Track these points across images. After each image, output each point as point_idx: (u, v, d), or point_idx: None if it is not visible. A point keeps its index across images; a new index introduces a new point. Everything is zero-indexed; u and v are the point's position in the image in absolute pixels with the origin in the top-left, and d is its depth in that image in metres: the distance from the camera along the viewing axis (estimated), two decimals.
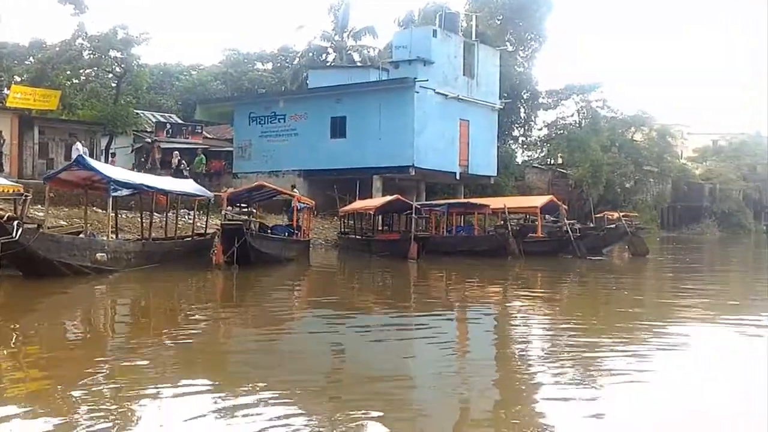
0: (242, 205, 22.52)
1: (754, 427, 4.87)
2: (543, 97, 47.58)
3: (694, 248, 36.61)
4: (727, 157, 69.09)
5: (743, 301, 13.49)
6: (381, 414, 5.18)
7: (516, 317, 11.16)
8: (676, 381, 6.35)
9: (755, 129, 78.06)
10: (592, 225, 29.34)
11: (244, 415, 5.15)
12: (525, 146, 49.06)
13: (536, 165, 49.44)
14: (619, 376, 6.40)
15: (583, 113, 50.73)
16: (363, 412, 5.20)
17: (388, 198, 25.15)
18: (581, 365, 6.85)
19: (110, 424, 4.90)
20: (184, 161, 30.98)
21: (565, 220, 25.23)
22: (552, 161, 51.50)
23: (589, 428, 4.82)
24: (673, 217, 60.72)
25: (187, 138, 35.12)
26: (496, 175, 35.96)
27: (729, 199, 65.55)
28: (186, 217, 23.48)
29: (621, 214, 34.53)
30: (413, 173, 30.72)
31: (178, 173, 28.12)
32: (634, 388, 5.94)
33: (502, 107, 35.97)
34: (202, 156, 32.31)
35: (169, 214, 20.33)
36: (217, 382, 6.34)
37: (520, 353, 7.96)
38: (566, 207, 28.10)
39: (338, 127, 31.96)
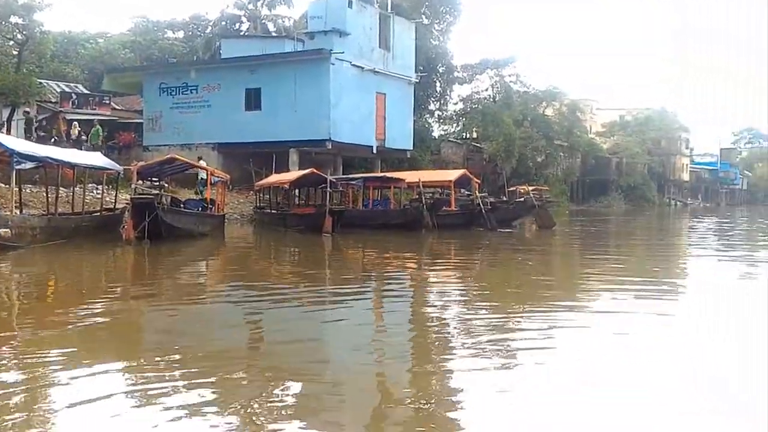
0: (153, 179, 21.94)
1: (650, 398, 5.15)
2: (458, 72, 48.11)
3: (600, 221, 38.07)
4: (633, 131, 71.87)
5: (639, 271, 14.15)
6: (299, 389, 5.20)
7: (429, 288, 11.38)
8: (581, 352, 6.58)
9: (660, 105, 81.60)
10: (505, 198, 30.10)
11: (157, 393, 5.09)
12: (441, 120, 49.61)
13: (452, 139, 50.08)
14: (529, 348, 6.56)
15: (497, 88, 51.67)
16: (281, 388, 5.21)
17: (303, 172, 25.05)
18: (493, 336, 7.04)
19: (11, 405, 4.76)
20: (84, 134, 29.75)
21: (477, 194, 25.81)
22: (467, 135, 52.27)
23: (498, 399, 4.93)
24: (582, 190, 62.89)
25: (95, 109, 33.79)
26: (412, 149, 36.27)
27: (635, 173, 68.41)
28: (94, 191, 22.73)
29: (532, 187, 35.66)
30: (330, 147, 30.62)
31: (76, 145, 27.03)
32: (543, 358, 6.12)
33: (418, 81, 36.19)
34: (98, 127, 30.58)
35: (76, 189, 19.60)
36: (128, 362, 6.22)
37: (434, 324, 8.12)
38: (479, 181, 28.69)
39: (253, 99, 31.46)
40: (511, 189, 31.94)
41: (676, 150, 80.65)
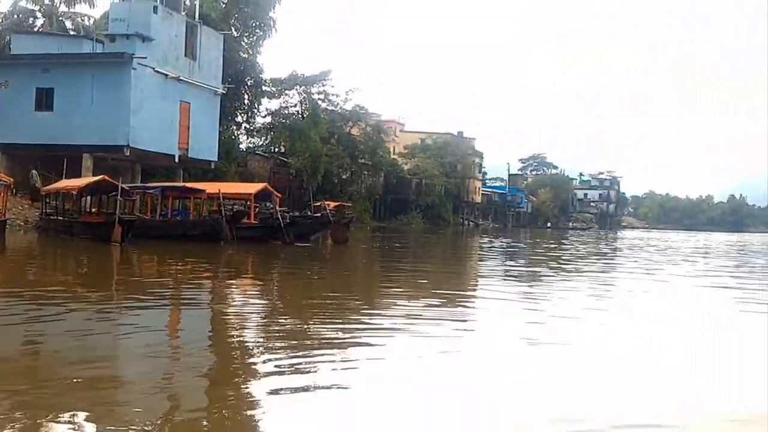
0: None
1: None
2: (267, 85, 48.35)
3: (397, 237, 39.97)
4: (432, 154, 76.10)
5: (426, 285, 15.19)
6: (88, 413, 4.66)
7: (220, 300, 11.43)
8: (384, 359, 6.70)
9: (457, 130, 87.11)
10: (310, 213, 30.79)
11: None
12: (249, 133, 49.48)
13: (259, 152, 50.17)
14: (329, 356, 6.67)
15: (305, 104, 52.62)
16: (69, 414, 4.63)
17: (94, 178, 24.05)
18: (291, 346, 7.12)
19: None
20: None
21: (277, 208, 26.26)
22: (275, 149, 52.64)
23: (298, 411, 4.91)
24: (384, 208, 65.57)
25: None
26: (217, 160, 35.91)
27: (433, 194, 72.53)
28: None
29: (336, 203, 36.76)
30: (128, 153, 29.60)
31: None
32: (344, 367, 6.20)
33: (224, 92, 35.96)
34: None
35: None
36: None
37: (231, 337, 7.98)
38: (280, 195, 29.10)
39: (45, 99, 29.65)
40: (317, 204, 32.70)
41: (471, 174, 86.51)
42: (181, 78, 31.90)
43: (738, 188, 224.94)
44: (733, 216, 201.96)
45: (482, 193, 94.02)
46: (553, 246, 36.19)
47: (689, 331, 9.45)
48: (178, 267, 16.45)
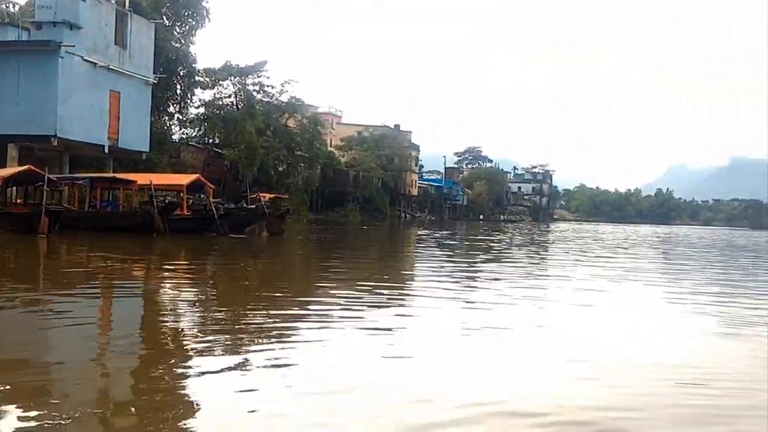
0: None
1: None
2: (201, 75, 47.63)
3: (334, 229, 40.12)
4: (369, 147, 76.35)
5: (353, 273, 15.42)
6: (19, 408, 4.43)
7: (152, 291, 11.36)
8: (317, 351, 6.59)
9: (393, 123, 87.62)
10: (245, 205, 30.64)
11: None
12: (181, 123, 48.65)
13: (193, 143, 49.43)
14: (260, 341, 6.77)
15: (240, 95, 52.12)
16: None
17: (20, 168, 23.43)
18: (228, 339, 6.96)
19: None
20: None
21: (211, 199, 26.09)
22: (209, 141, 51.96)
23: (238, 403, 4.76)
24: (322, 200, 65.46)
25: None
26: (149, 150, 35.30)
27: (370, 186, 72.76)
28: None
29: (272, 196, 36.68)
30: (56, 143, 28.89)
31: None
32: (279, 357, 6.08)
33: (156, 82, 35.36)
34: None
35: None
36: None
37: (165, 330, 7.78)
38: (213, 187, 28.87)
39: None
40: (253, 196, 32.55)
41: (408, 166, 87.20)
42: (111, 67, 31.25)
43: (667, 176, 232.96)
44: (661, 209, 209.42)
45: (419, 186, 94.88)
46: (485, 237, 36.98)
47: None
48: (108, 259, 16.19)
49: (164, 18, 39.21)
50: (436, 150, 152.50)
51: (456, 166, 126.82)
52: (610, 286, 13.79)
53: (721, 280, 15.95)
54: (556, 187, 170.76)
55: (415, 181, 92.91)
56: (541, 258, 22.82)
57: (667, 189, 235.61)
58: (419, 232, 41.64)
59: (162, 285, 12.14)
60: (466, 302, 10.26)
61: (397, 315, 8.81)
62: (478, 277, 14.88)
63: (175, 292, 11.26)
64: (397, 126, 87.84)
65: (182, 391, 5.14)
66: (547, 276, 15.86)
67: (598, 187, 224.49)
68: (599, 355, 6.84)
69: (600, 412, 4.77)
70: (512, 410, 4.70)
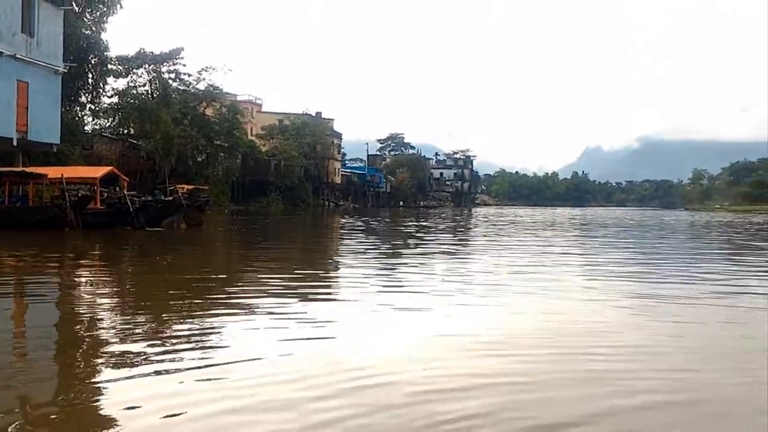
0: None
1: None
2: (113, 63, 46.27)
3: (256, 220, 39.79)
4: (291, 135, 75.91)
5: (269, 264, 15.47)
6: None
7: (67, 290, 11.09)
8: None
9: (315, 111, 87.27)
10: (162, 197, 30.06)
11: None
12: (94, 114, 47.14)
13: (106, 134, 48.02)
14: (180, 338, 6.58)
15: (155, 84, 50.90)
16: None
17: None
18: (149, 335, 7.02)
19: None
20: None
21: (125, 192, 25.50)
22: (125, 131, 50.56)
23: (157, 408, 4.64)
24: (243, 190, 64.74)
25: None
26: (60, 143, 34.12)
27: (292, 175, 72.40)
28: None
29: (192, 186, 36.08)
30: None
31: None
32: (209, 356, 5.95)
33: (66, 71, 34.16)
34: None
35: None
36: None
37: (83, 329, 7.55)
38: (128, 179, 28.22)
39: None
40: (172, 188, 31.94)
41: (330, 154, 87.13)
42: (17, 56, 30.00)
43: (583, 158, 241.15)
44: (577, 191, 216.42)
45: (342, 174, 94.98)
46: (408, 223, 37.46)
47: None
48: (17, 256, 15.67)
49: (74, 4, 37.88)
50: (358, 137, 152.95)
51: (379, 153, 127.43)
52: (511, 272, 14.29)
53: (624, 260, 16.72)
54: (476, 172, 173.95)
55: (338, 169, 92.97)
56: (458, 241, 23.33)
57: (583, 172, 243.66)
58: (341, 221, 41.79)
59: (75, 282, 11.86)
60: (383, 287, 10.50)
61: (317, 301, 8.95)
62: (393, 264, 15.16)
63: (88, 289, 11.04)
64: (318, 114, 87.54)
65: (96, 397, 4.94)
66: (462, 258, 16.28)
67: (517, 172, 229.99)
68: (481, 330, 7.15)
69: (469, 378, 5.11)
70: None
